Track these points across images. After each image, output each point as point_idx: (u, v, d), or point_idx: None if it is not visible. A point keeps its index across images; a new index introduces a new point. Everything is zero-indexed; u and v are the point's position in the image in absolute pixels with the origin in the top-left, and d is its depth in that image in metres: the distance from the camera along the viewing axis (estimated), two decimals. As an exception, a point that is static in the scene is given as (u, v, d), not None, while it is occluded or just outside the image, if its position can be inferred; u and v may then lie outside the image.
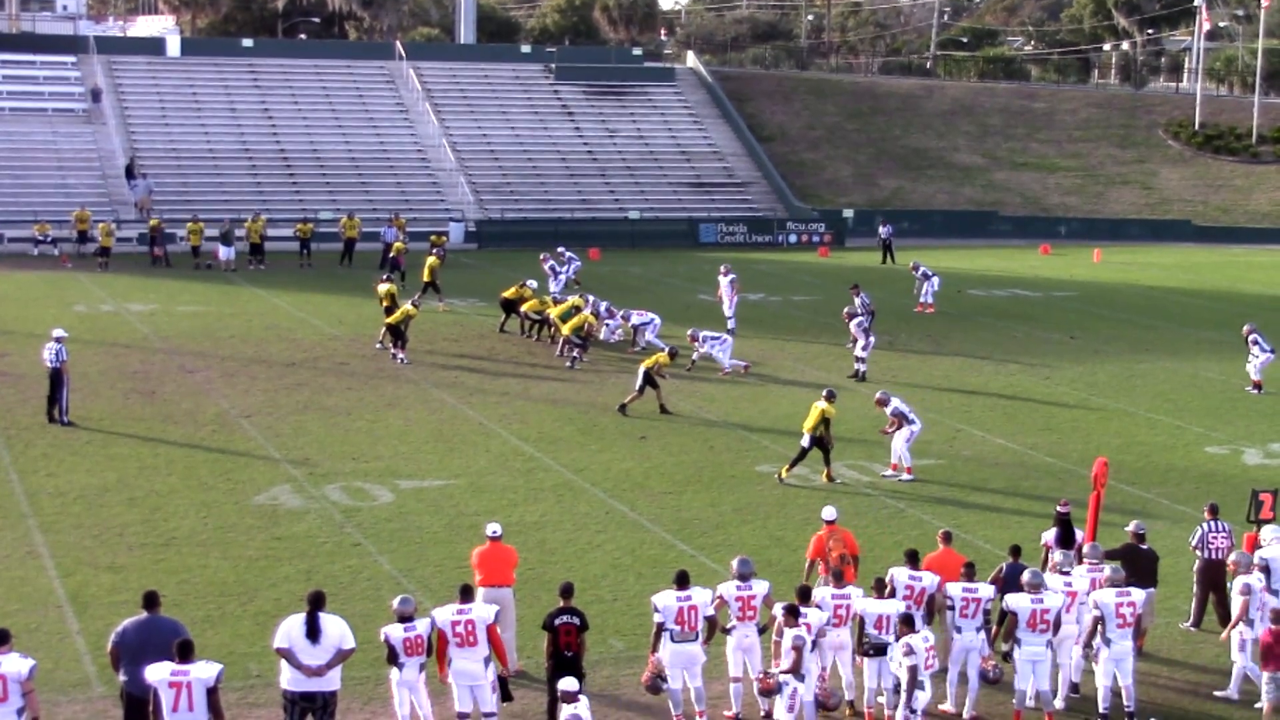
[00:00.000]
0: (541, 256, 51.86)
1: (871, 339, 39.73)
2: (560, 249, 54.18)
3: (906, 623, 17.40)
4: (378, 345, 41.36)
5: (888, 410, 29.89)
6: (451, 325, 46.03)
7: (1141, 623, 18.96)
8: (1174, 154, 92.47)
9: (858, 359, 39.41)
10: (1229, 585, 20.03)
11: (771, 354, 42.71)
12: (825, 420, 28.86)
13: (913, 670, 16.87)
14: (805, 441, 28.91)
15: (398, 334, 40.11)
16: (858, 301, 42.31)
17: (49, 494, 27.20)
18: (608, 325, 43.34)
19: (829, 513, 21.30)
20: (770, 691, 17.17)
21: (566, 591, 18.03)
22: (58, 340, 32.70)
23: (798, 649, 17.02)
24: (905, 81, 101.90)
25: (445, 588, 21.87)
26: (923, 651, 17.11)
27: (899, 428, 29.66)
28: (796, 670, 16.97)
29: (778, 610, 17.88)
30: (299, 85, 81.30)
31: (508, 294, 44.85)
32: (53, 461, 29.43)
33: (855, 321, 40.24)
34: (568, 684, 15.77)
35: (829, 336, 44.83)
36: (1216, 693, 19.37)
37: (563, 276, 51.16)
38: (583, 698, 15.79)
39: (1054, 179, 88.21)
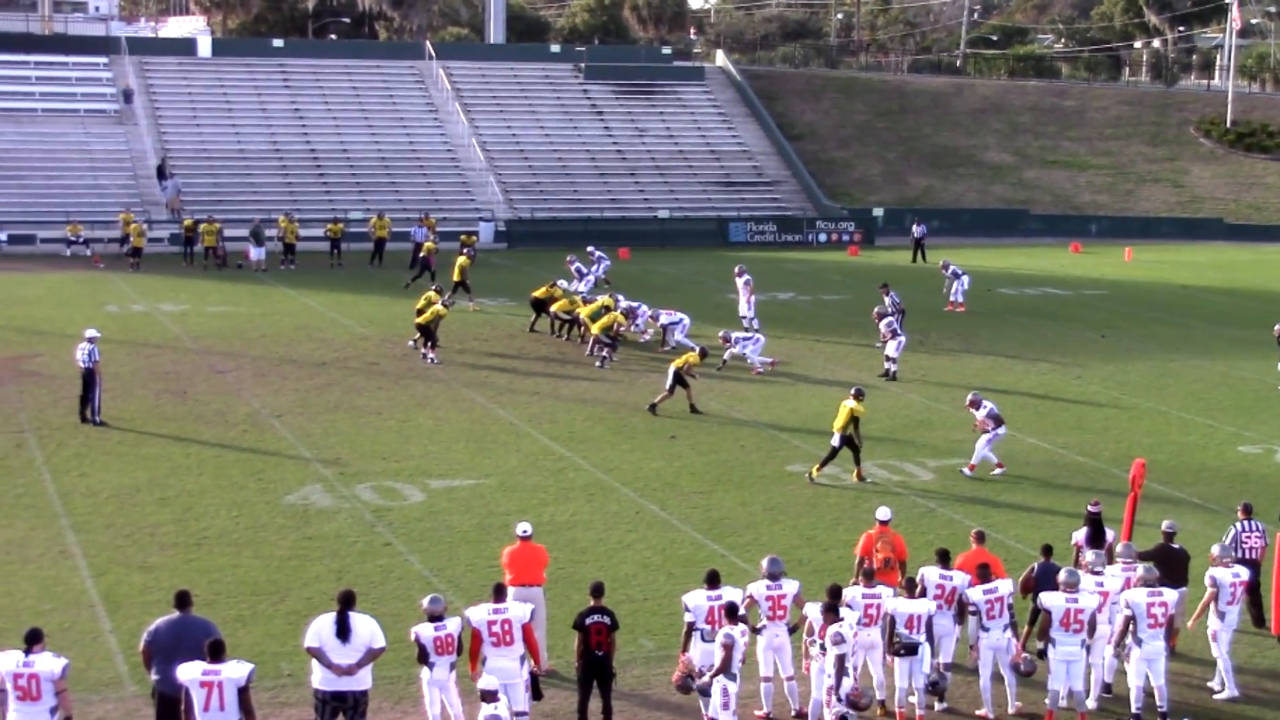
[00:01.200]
0: (568, 259, 51.80)
1: (902, 338, 39.58)
2: (590, 249, 54.26)
3: (831, 610, 17.40)
4: (410, 344, 41.42)
5: (979, 414, 29.83)
6: (482, 325, 46.09)
7: (1174, 623, 18.88)
8: (1205, 152, 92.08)
9: (888, 359, 39.28)
10: (1211, 580, 19.69)
11: (802, 353, 42.65)
12: (854, 419, 28.79)
13: (840, 659, 16.89)
14: (835, 441, 28.86)
15: (428, 334, 40.18)
16: (887, 301, 42.28)
17: (81, 494, 27.31)
18: (636, 325, 43.30)
19: (883, 513, 21.23)
20: (859, 704, 17.11)
21: (597, 591, 18.04)
22: (90, 340, 32.81)
23: (727, 647, 16.99)
24: (935, 80, 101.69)
25: (476, 587, 21.91)
26: (851, 640, 17.16)
27: (992, 429, 29.64)
28: (726, 669, 16.92)
29: (809, 610, 17.86)
30: (329, 85, 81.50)
31: (538, 293, 44.89)
32: (85, 461, 29.55)
33: (885, 322, 40.07)
34: (487, 683, 15.76)
35: (859, 336, 44.75)
36: (1215, 696, 19.29)
37: (591, 276, 51.20)
38: (503, 698, 15.78)
39: (1085, 177, 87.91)
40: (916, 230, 67.85)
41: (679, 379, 34.56)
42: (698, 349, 36.35)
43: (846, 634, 17.07)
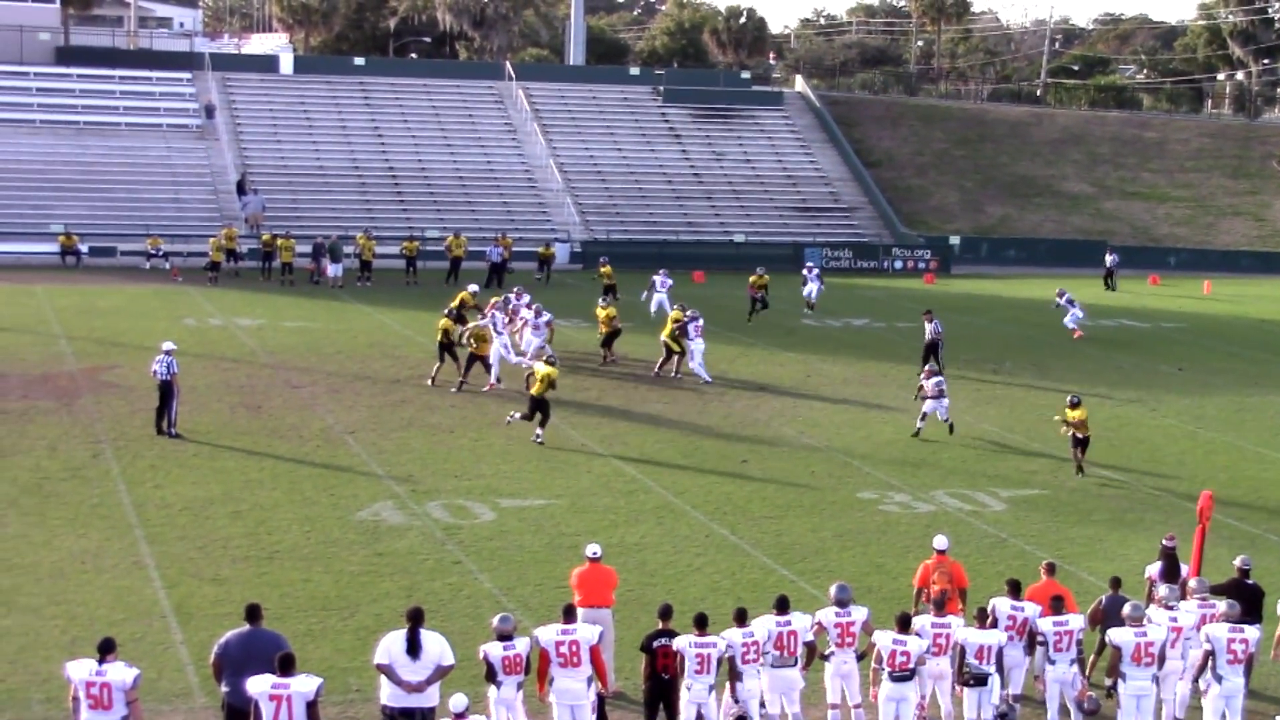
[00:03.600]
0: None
1: (944, 403, 35.61)
2: (660, 273, 54.12)
3: (699, 625, 17.51)
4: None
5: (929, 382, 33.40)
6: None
7: (1252, 660, 18.64)
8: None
9: (924, 416, 35.42)
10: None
11: (875, 380, 42.48)
12: (1073, 423, 31.59)
13: (731, 660, 17.31)
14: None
15: (481, 364, 39.49)
16: (929, 328, 42.09)
17: (156, 505, 27.54)
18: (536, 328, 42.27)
19: (940, 542, 21.10)
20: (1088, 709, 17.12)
21: (665, 613, 18.00)
22: (167, 353, 33.10)
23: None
24: (1015, 109, 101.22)
25: (545, 607, 21.92)
26: (739, 646, 17.40)
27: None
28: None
29: (878, 637, 17.77)
30: (409, 104, 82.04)
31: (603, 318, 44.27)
32: (160, 473, 29.80)
33: (933, 382, 35.44)
34: (456, 702, 15.69)
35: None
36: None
37: (658, 297, 52.18)
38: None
39: (1164, 209, 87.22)
40: (1109, 260, 68.49)
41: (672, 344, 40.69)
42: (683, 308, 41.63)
43: (735, 640, 17.45)
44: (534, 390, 33.17)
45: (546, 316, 42.66)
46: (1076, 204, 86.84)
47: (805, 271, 58.54)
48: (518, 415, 34.05)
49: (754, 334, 46.13)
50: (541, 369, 33.53)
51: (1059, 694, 18.45)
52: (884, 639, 17.69)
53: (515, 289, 43.99)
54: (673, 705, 17.72)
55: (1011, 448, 34.63)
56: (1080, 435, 31.57)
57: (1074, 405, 31.79)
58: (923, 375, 36.33)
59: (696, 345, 41.45)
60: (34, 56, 79.03)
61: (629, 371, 42.51)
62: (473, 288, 45.76)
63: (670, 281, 53.88)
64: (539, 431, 33.20)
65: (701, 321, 42.13)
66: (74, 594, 22.63)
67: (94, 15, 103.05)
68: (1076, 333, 51.84)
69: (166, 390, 32.89)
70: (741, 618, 17.70)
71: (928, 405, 35.21)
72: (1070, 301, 52.43)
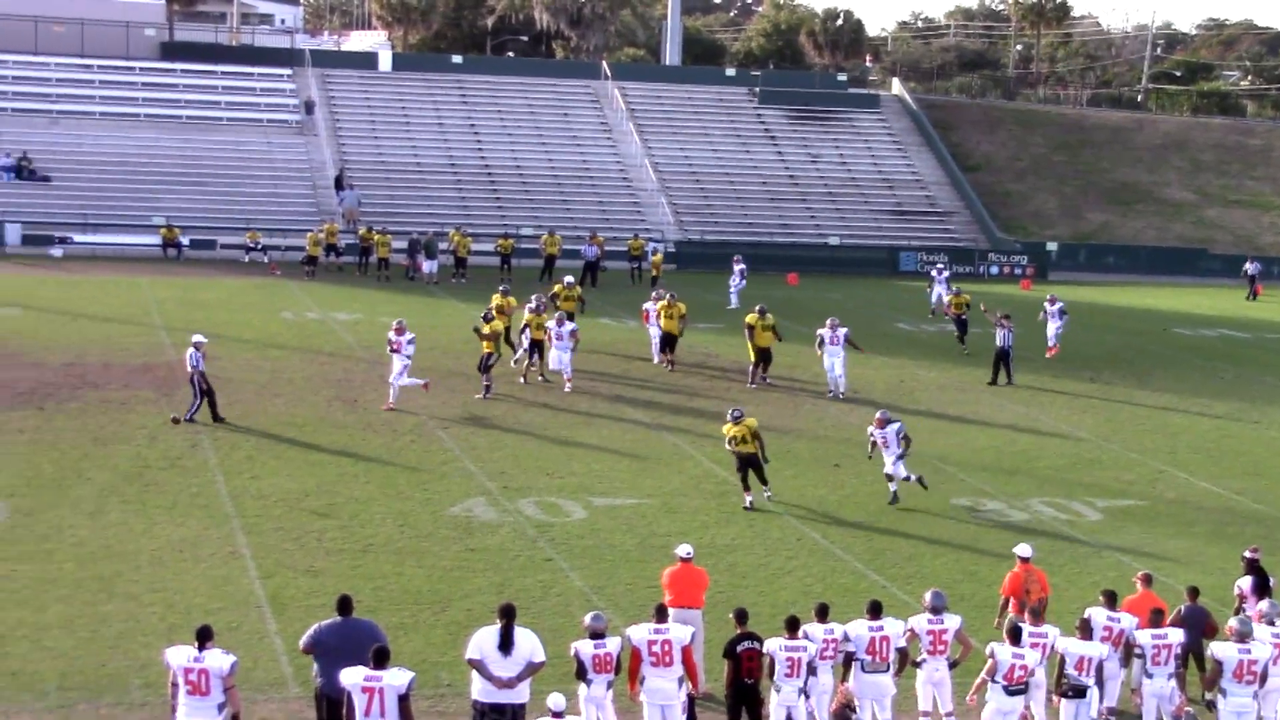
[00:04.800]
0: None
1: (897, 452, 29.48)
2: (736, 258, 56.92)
3: (790, 627, 17.47)
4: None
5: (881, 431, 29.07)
6: (646, 346, 46.10)
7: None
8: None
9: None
10: None
11: (969, 386, 42.16)
12: None
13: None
14: None
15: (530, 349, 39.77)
16: (1000, 334, 41.81)
17: (253, 496, 27.80)
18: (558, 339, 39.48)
19: (1025, 550, 20.91)
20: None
21: (742, 617, 17.89)
22: (196, 346, 33.43)
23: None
24: (1115, 114, 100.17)
25: (635, 606, 21.93)
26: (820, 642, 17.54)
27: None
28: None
29: (995, 650, 17.44)
30: (505, 102, 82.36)
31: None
32: (257, 464, 30.09)
33: (893, 430, 29.24)
34: (555, 701, 15.81)
35: (1029, 369, 44.15)
36: None
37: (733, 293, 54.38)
38: None
39: (1268, 217, 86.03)
40: (1250, 268, 68.46)
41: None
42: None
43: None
44: (739, 449, 28.13)
45: (570, 326, 39.30)
46: (1178, 211, 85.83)
47: (934, 273, 58.32)
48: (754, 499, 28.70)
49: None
50: (732, 427, 28.21)
51: (1156, 708, 18.19)
52: (1003, 652, 17.39)
53: (534, 296, 42.84)
54: (755, 709, 17.66)
55: (1108, 457, 34.27)
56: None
57: None
58: (874, 425, 29.44)
59: (835, 355, 39.11)
60: (139, 52, 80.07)
61: (721, 372, 42.41)
62: (569, 280, 46.08)
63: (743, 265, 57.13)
64: (749, 498, 28.51)
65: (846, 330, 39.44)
66: (172, 582, 22.90)
67: (198, 11, 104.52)
68: (1053, 349, 46.69)
69: (199, 381, 33.23)
70: (794, 626, 17.62)
71: (887, 464, 29.22)
72: (1062, 312, 47.23)
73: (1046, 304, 47.79)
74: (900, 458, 28.87)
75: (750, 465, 28.32)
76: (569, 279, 46.45)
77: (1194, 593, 19.75)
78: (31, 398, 35.21)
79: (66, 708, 18.39)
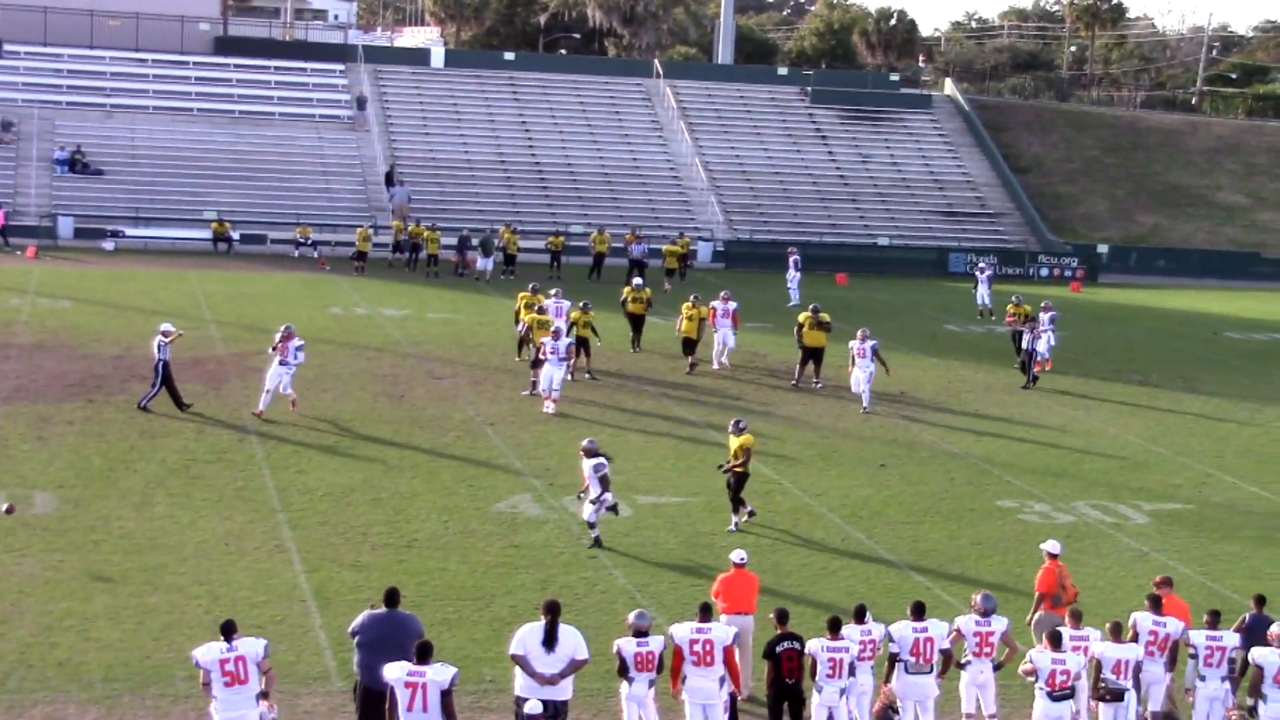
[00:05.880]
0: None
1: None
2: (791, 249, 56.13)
3: (832, 628, 17.50)
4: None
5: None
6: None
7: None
8: None
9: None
10: None
11: (1016, 387, 41.92)
12: None
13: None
14: None
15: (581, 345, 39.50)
16: (1043, 317, 41.82)
17: (298, 490, 27.94)
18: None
19: (1054, 546, 20.88)
20: None
21: (782, 617, 17.91)
22: (163, 334, 33.60)
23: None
24: (1169, 117, 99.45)
25: (679, 605, 21.94)
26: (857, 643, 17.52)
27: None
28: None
29: (1034, 656, 17.33)
30: (557, 99, 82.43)
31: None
32: (302, 458, 30.23)
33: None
34: (532, 707, 15.88)
35: (1077, 371, 43.95)
36: None
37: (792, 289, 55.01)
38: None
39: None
40: None
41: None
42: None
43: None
44: (737, 466, 26.91)
45: (568, 341, 37.46)
46: (1230, 215, 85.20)
47: (977, 273, 58.17)
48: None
49: (896, 339, 45.79)
50: (735, 440, 27.12)
51: (1208, 713, 18.02)
52: (1042, 659, 17.28)
53: (554, 291, 42.35)
54: (797, 710, 17.64)
55: (1155, 460, 34.07)
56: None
57: None
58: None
59: (864, 368, 37.75)
60: (193, 46, 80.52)
61: (767, 371, 42.36)
62: (637, 282, 46.05)
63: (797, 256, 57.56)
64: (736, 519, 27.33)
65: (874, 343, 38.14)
66: (217, 575, 23.04)
67: (252, 7, 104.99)
68: (1044, 364, 43.23)
69: (163, 370, 33.41)
70: (835, 627, 17.59)
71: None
72: (1052, 321, 44.09)
73: (1042, 313, 44.05)
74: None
75: (742, 482, 27.01)
76: (637, 281, 46.47)
77: (1260, 601, 19.50)
78: (81, 390, 35.48)
79: (112, 699, 18.53)
